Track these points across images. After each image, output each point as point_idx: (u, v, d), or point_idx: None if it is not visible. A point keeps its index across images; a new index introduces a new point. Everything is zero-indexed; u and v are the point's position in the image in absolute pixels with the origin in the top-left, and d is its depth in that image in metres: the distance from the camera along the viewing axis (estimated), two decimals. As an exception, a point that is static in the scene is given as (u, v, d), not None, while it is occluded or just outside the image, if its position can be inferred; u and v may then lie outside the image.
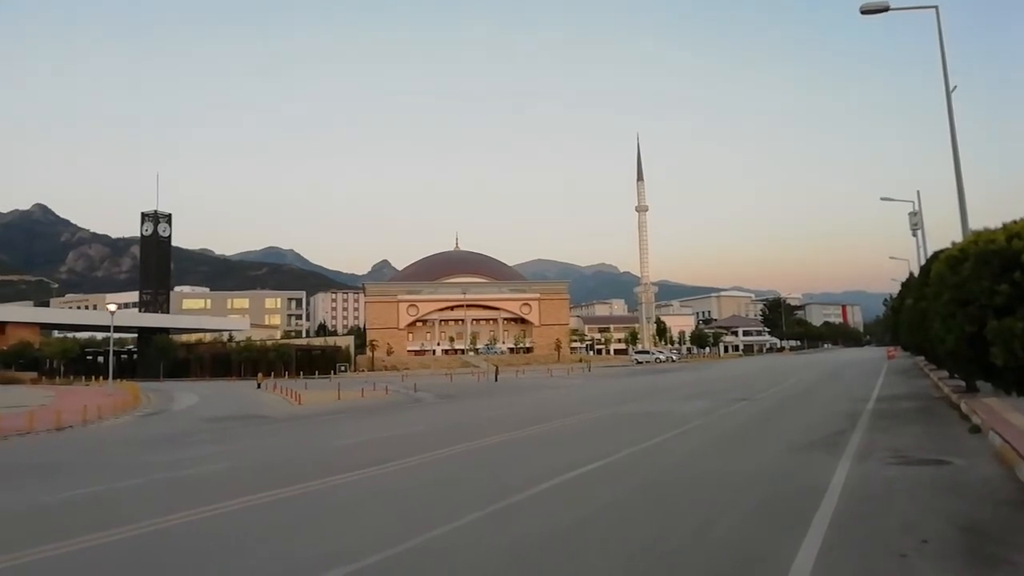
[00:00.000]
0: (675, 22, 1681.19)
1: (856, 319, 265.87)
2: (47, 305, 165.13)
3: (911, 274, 50.79)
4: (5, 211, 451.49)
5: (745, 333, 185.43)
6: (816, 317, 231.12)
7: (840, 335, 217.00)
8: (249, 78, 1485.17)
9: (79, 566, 6.82)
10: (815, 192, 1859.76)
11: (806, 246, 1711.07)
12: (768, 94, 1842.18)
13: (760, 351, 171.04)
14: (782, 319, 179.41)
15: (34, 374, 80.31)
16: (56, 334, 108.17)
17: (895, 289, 68.78)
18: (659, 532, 7.22)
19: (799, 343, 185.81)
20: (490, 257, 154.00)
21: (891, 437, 13.86)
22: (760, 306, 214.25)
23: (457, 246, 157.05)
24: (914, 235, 42.49)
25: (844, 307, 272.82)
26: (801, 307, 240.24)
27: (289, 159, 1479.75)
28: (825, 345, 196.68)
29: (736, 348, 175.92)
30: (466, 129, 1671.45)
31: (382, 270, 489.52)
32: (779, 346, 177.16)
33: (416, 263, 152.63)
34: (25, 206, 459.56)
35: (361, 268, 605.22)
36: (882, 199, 44.77)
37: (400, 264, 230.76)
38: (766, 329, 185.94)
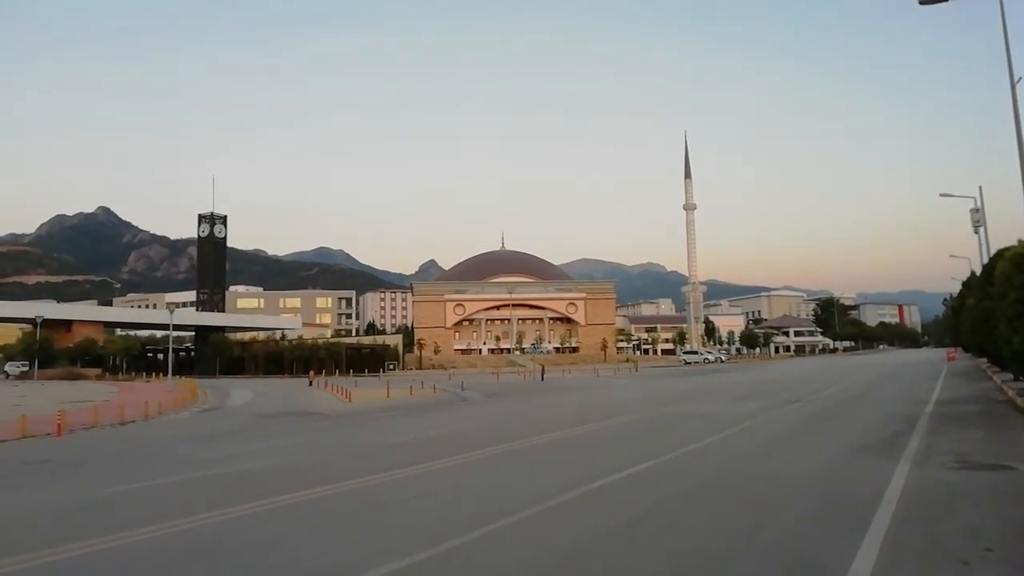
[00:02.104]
0: (722, 18, 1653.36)
1: (913, 319, 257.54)
2: (110, 304, 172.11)
3: (973, 273, 49.01)
4: (71, 214, 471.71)
5: (796, 333, 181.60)
6: (871, 317, 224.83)
7: (896, 336, 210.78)
8: (299, 81, 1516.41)
9: (141, 557, 7.08)
10: (870, 188, 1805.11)
11: (861, 244, 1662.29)
12: (820, 88, 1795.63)
13: (812, 352, 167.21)
14: (835, 319, 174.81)
15: (98, 370, 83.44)
16: (119, 332, 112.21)
17: (955, 288, 66.54)
18: (709, 534, 7.16)
19: (853, 344, 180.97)
20: (536, 257, 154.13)
21: (952, 441, 13.42)
22: (812, 306, 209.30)
23: (503, 246, 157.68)
24: (976, 232, 40.94)
25: (901, 307, 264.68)
26: (855, 307, 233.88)
27: (339, 161, 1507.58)
28: (881, 346, 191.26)
29: (787, 349, 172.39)
30: (512, 129, 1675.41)
31: (429, 270, 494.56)
32: (832, 347, 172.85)
33: (463, 263, 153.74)
34: (90, 209, 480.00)
35: (409, 268, 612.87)
36: (941, 195, 43.15)
37: (447, 264, 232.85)
38: (818, 329, 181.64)
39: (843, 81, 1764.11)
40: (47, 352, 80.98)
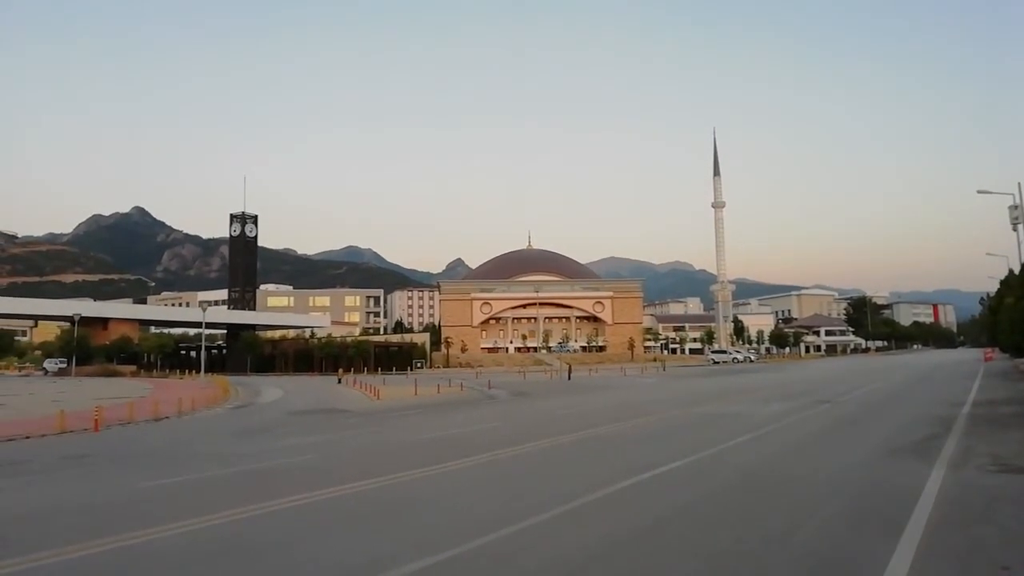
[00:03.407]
0: (751, 11, 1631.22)
1: (949, 319, 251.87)
2: (145, 302, 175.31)
3: (1011, 271, 47.91)
4: (107, 214, 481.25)
5: (828, 333, 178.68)
6: (905, 317, 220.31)
7: (931, 336, 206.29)
8: (328, 83, 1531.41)
9: (174, 551, 7.23)
10: (904, 185, 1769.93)
11: (894, 242, 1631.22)
12: (852, 82, 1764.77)
13: (844, 352, 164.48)
14: (867, 318, 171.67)
15: (133, 367, 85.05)
16: (153, 330, 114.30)
17: (992, 287, 65.22)
18: (739, 536, 7.08)
19: (886, 344, 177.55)
20: (563, 255, 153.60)
21: (990, 443, 13.13)
22: (844, 305, 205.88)
23: (530, 244, 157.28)
24: (1014, 230, 39.88)
25: (935, 306, 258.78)
26: (888, 306, 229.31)
27: (367, 161, 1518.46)
28: (915, 346, 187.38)
29: (818, 348, 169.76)
30: (539, 127, 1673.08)
31: (456, 268, 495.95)
32: (864, 347, 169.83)
33: (489, 261, 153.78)
34: (125, 209, 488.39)
35: (436, 267, 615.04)
36: (979, 192, 42.11)
37: (473, 263, 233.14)
38: (850, 329, 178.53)
39: (877, 75, 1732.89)
40: (84, 349, 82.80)
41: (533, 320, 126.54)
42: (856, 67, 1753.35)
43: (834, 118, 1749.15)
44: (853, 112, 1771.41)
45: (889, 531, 6.91)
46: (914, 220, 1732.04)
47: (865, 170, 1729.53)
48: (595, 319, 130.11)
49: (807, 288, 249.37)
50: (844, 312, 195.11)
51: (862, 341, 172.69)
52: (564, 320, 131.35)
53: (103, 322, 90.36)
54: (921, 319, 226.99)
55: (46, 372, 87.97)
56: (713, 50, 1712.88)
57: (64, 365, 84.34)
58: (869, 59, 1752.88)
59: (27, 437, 18.90)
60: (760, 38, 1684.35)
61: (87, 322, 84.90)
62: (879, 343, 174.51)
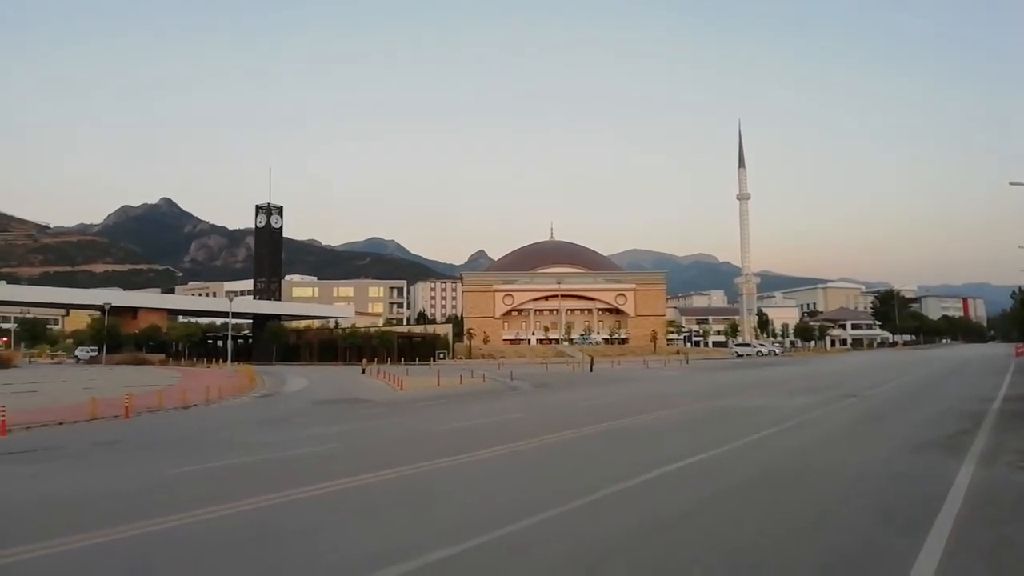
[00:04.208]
0: (765, 3, 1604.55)
1: (979, 313, 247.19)
2: (173, 292, 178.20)
3: (1046, 264, 46.75)
4: (136, 205, 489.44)
5: (854, 327, 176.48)
6: (933, 310, 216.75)
7: (961, 330, 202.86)
8: (351, 74, 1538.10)
9: (201, 537, 7.34)
10: (935, 175, 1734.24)
11: (923, 235, 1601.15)
12: (878, 71, 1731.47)
13: (870, 346, 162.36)
14: (895, 312, 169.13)
15: (162, 356, 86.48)
16: (181, 319, 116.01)
17: (1025, 281, 63.79)
18: (762, 529, 7.04)
19: (914, 338, 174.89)
20: (585, 247, 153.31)
21: (1021, 440, 12.90)
22: (871, 298, 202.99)
23: (552, 236, 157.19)
24: (1049, 222, 38.96)
25: (965, 300, 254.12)
26: (916, 300, 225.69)
27: (390, 153, 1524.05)
28: (943, 340, 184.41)
29: (844, 342, 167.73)
30: (561, 120, 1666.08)
31: (478, 260, 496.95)
32: (891, 341, 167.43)
33: (511, 253, 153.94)
34: (153, 200, 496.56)
35: (458, 258, 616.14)
36: (1011, 184, 41.26)
37: (496, 254, 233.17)
38: (877, 323, 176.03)
39: (903, 64, 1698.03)
40: (115, 338, 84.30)
41: (555, 312, 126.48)
42: (881, 56, 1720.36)
43: (860, 109, 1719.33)
44: (880, 103, 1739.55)
45: (916, 527, 6.82)
46: (943, 212, 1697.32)
47: (893, 162, 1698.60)
48: (617, 311, 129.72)
49: (833, 281, 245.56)
50: (871, 305, 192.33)
51: (889, 335, 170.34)
52: (586, 312, 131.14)
53: (132, 311, 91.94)
54: (950, 313, 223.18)
55: (77, 360, 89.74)
56: (740, 37, 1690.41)
57: (95, 353, 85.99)
58: (895, 49, 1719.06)
59: (60, 423, 19.32)
60: (787, 24, 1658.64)
61: (117, 311, 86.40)
62: (906, 337, 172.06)
